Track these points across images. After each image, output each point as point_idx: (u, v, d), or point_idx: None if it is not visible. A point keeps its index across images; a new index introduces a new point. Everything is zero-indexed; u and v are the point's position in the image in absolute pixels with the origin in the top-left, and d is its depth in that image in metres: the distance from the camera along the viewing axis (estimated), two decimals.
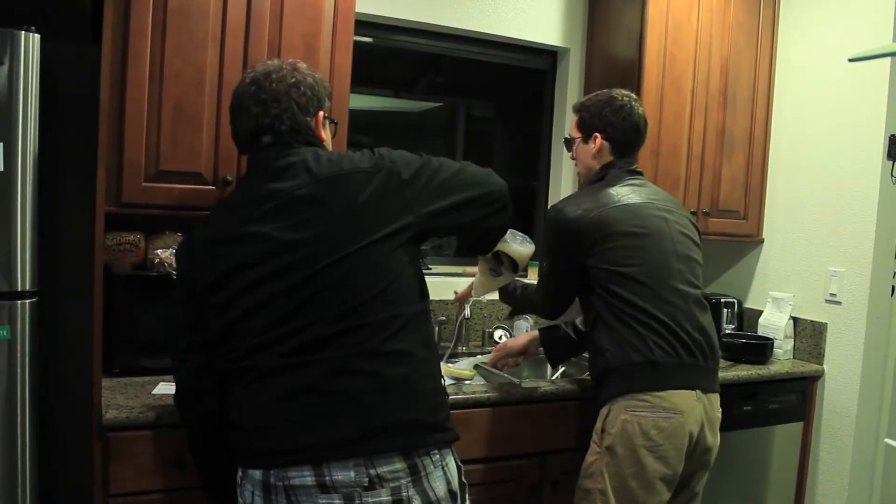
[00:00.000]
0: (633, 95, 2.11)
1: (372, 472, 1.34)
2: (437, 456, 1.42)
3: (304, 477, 1.35)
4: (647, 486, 1.83)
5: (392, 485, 1.35)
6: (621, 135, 2.05)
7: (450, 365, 2.42)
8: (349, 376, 1.38)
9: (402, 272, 1.45)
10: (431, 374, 1.48)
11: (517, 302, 2.32)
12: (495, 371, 2.40)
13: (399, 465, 1.36)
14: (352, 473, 1.34)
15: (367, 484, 1.34)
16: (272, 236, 1.41)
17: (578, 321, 2.24)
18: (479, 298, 2.19)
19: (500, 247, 1.88)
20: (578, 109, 2.12)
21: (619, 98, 2.07)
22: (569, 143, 2.16)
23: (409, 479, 1.37)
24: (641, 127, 2.08)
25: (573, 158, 2.17)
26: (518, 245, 1.94)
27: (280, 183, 1.45)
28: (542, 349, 2.32)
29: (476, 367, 2.43)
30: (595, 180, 2.06)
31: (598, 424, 1.90)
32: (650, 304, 1.87)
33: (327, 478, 1.34)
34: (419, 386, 1.43)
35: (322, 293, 1.39)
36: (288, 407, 1.38)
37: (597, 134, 2.06)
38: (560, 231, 1.97)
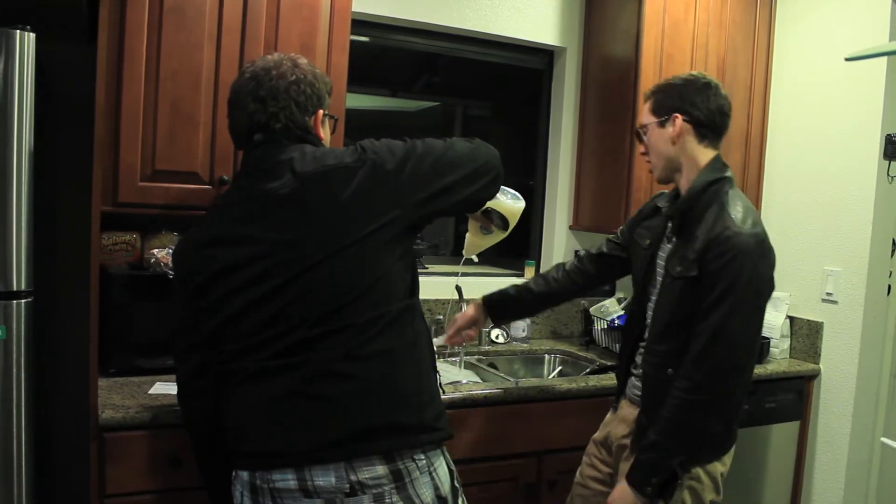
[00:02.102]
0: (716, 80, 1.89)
1: (353, 477, 1.33)
2: (424, 461, 1.39)
3: (288, 480, 1.34)
4: None
5: (374, 491, 1.33)
6: (705, 115, 1.81)
7: None
8: (329, 379, 1.36)
9: (390, 268, 1.41)
10: (417, 374, 1.44)
11: (546, 291, 2.10)
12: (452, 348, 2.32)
13: (381, 470, 1.34)
14: (332, 479, 1.32)
15: (348, 490, 1.32)
16: (257, 238, 1.39)
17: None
18: (472, 258, 2.09)
19: (491, 203, 1.82)
20: (653, 92, 1.87)
21: (703, 78, 1.85)
22: (640, 133, 1.90)
23: (393, 485, 1.35)
24: (727, 110, 1.85)
25: (644, 153, 1.91)
26: (509, 201, 1.87)
27: (267, 183, 1.42)
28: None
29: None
30: (711, 181, 1.78)
31: None
32: None
33: (309, 482, 1.33)
34: (402, 386, 1.40)
35: (305, 296, 1.37)
36: (271, 410, 1.37)
37: (676, 115, 1.80)
38: (767, 251, 1.75)
